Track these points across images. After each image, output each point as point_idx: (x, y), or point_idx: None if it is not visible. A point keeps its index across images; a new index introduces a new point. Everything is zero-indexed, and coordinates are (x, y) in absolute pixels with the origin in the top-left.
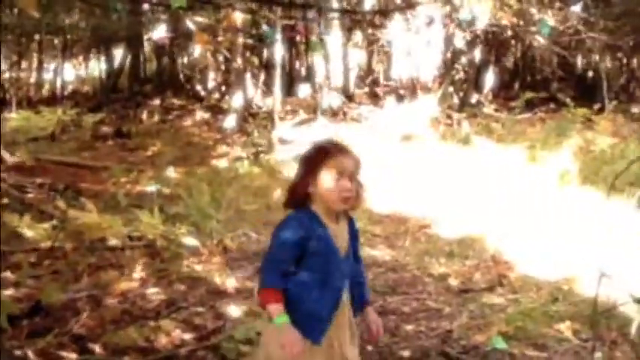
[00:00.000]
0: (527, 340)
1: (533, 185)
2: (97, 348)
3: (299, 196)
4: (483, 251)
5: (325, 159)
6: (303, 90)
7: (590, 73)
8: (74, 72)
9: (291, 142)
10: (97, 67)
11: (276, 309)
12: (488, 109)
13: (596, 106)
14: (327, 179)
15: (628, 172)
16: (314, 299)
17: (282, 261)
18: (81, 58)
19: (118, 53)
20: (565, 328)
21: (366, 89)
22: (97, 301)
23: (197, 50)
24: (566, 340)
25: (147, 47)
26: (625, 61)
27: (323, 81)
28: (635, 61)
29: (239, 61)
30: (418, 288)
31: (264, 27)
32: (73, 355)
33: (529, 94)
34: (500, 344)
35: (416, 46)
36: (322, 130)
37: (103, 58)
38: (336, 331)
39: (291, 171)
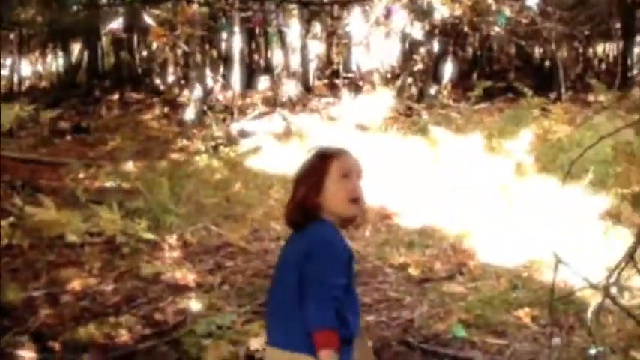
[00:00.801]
0: (487, 328)
1: (491, 174)
2: (57, 345)
3: (310, 208)
4: (443, 240)
5: (327, 162)
6: (263, 82)
7: (547, 63)
8: (31, 67)
9: (250, 134)
10: (54, 62)
11: (334, 356)
12: (447, 99)
13: (553, 95)
14: (333, 182)
15: (584, 160)
16: (347, 324)
17: (338, 289)
18: (38, 53)
19: (76, 48)
20: (524, 314)
21: (326, 81)
22: (56, 299)
23: (155, 44)
24: (525, 327)
25: (105, 42)
26: (581, 50)
27: (282, 73)
28: (590, 50)
29: (197, 54)
30: (379, 278)
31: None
32: (33, 354)
33: (485, 84)
34: (460, 332)
35: (375, 37)
36: (281, 122)
37: (60, 53)
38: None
39: (251, 163)
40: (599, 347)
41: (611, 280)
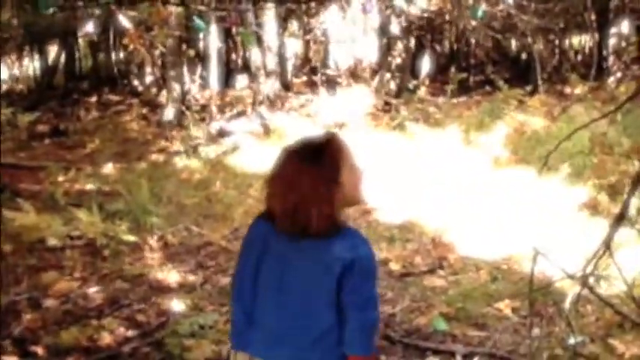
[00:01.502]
0: (467, 320)
1: (469, 168)
2: (40, 350)
3: (339, 211)
4: (423, 235)
5: (341, 150)
6: (241, 81)
7: (524, 56)
8: (7, 71)
9: (229, 133)
10: (30, 65)
11: None
12: (425, 94)
13: (530, 88)
14: (349, 170)
15: (561, 152)
16: None
17: None
18: (14, 56)
19: (52, 50)
20: (504, 306)
21: (304, 78)
22: (38, 303)
23: (132, 45)
24: (505, 318)
25: (82, 44)
26: (557, 42)
27: (260, 71)
28: (566, 42)
29: (175, 55)
30: None
31: (195, 19)
32: (16, 359)
33: (461, 76)
34: (442, 326)
35: (352, 34)
36: (259, 121)
37: (36, 56)
38: None
39: (231, 162)
40: (579, 337)
41: (589, 270)
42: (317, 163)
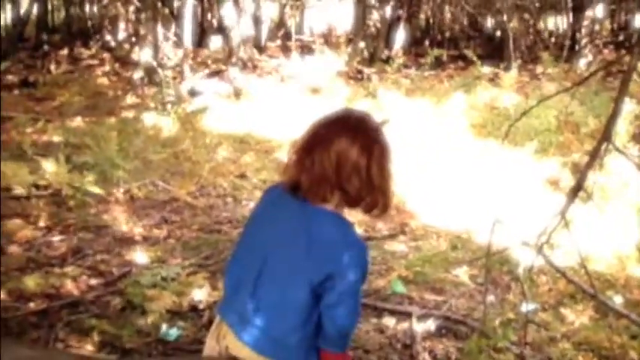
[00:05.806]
0: (425, 285)
1: (437, 139)
2: (2, 295)
3: None
4: None
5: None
6: (215, 42)
7: (499, 33)
8: None
9: (200, 93)
10: (2, 15)
11: None
12: (398, 65)
13: (503, 65)
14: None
15: (529, 129)
16: None
17: None
18: None
19: (25, 1)
20: (462, 273)
21: (278, 42)
22: (2, 250)
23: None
24: (462, 285)
25: None
26: (531, 22)
27: (234, 33)
28: (541, 22)
29: (149, 11)
30: None
31: None
32: None
33: (438, 52)
34: (400, 288)
35: (328, 0)
36: (231, 82)
37: (8, 6)
38: None
39: (200, 121)
40: (531, 304)
41: (543, 239)
42: (385, 143)
